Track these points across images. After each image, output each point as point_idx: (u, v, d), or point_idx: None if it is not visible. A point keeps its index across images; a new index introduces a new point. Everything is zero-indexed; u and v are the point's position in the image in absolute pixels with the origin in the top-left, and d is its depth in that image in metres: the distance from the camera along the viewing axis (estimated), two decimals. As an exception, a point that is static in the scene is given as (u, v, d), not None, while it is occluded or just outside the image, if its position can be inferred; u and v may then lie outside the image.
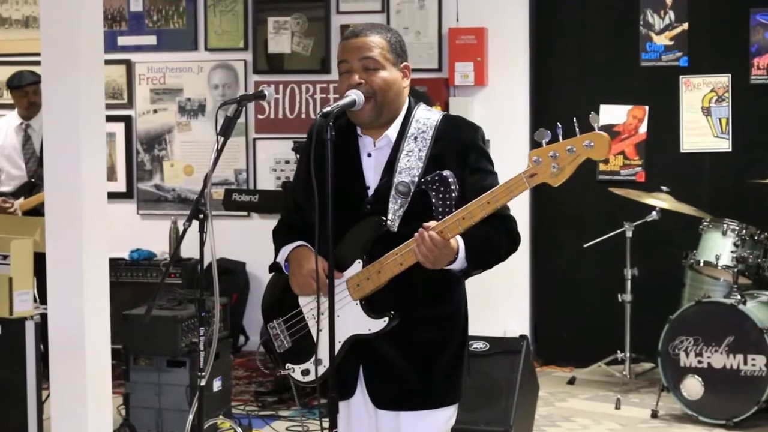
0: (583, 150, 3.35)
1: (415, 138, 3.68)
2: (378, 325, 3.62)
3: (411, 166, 3.64)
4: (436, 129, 3.69)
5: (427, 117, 3.73)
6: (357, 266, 3.63)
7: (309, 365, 3.77)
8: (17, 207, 7.92)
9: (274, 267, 3.88)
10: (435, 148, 3.66)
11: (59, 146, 5.50)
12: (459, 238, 3.51)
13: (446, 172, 3.61)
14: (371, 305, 3.64)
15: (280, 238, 3.88)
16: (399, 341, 3.66)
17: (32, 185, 8.04)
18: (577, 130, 3.36)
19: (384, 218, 3.61)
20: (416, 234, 3.48)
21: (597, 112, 8.21)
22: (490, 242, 3.61)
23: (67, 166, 5.47)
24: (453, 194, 3.60)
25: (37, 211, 7.71)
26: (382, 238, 3.60)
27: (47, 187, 5.59)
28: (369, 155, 3.72)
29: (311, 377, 3.77)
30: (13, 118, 8.20)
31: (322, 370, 3.68)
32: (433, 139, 3.67)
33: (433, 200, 3.60)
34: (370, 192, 3.68)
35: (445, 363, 3.72)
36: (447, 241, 3.46)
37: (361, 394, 3.74)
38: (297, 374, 3.83)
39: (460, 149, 3.66)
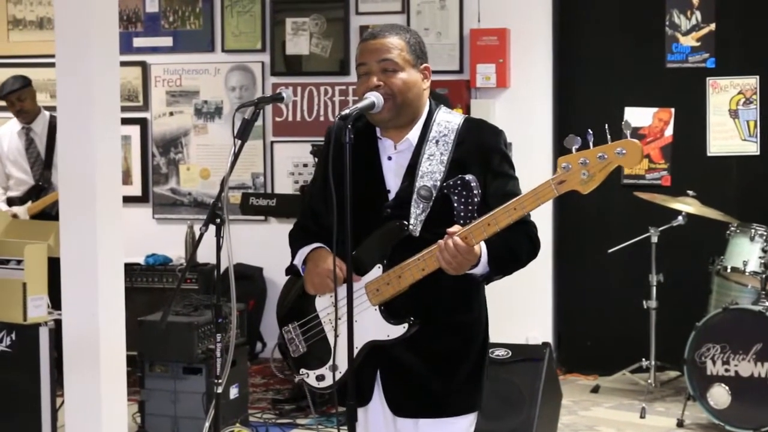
0: (614, 157, 3.34)
1: (437, 141, 3.68)
2: (397, 331, 3.63)
3: (433, 170, 3.64)
4: (457, 132, 3.69)
5: (449, 120, 3.73)
6: (377, 271, 3.64)
7: (324, 371, 3.77)
8: (21, 214, 7.96)
9: (291, 270, 3.89)
10: (457, 152, 3.66)
11: (74, 149, 5.52)
12: (482, 244, 3.52)
13: (469, 177, 3.61)
14: (390, 311, 3.65)
15: (296, 241, 3.90)
16: (418, 348, 3.66)
17: (40, 189, 8.11)
18: (609, 136, 3.36)
19: (405, 222, 3.61)
20: (440, 240, 3.49)
21: (622, 114, 8.23)
22: (512, 248, 3.62)
23: (81, 170, 5.49)
24: (475, 199, 3.61)
25: (47, 213, 7.77)
26: (403, 242, 3.61)
27: (62, 191, 5.61)
28: (389, 158, 3.72)
29: (326, 383, 3.78)
30: (14, 123, 8.30)
31: (338, 375, 3.69)
32: (455, 142, 3.67)
33: (455, 205, 3.61)
34: (391, 196, 3.68)
35: (465, 370, 3.72)
36: (471, 247, 3.46)
37: (378, 400, 3.74)
38: (311, 380, 3.84)
39: (483, 153, 3.66)
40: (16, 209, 8.01)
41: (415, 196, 3.62)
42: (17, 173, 8.23)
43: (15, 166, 8.23)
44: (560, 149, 7.94)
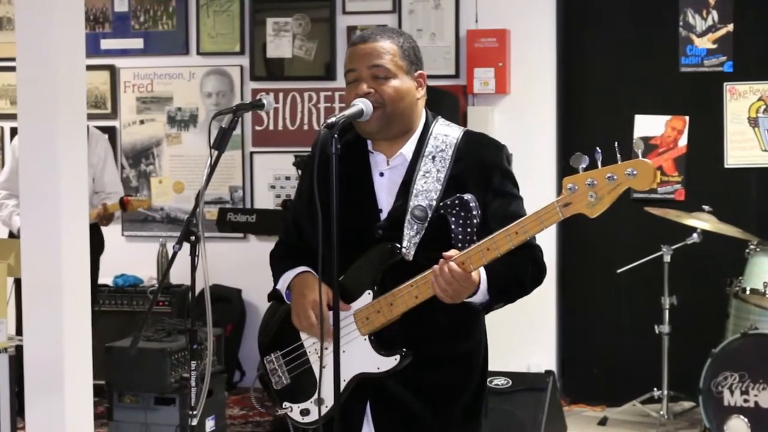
0: (624, 179, 3.34)
1: (433, 157, 3.68)
2: (388, 363, 3.62)
3: (428, 188, 3.64)
4: (456, 147, 3.69)
5: (446, 134, 3.73)
6: (366, 297, 3.63)
7: (309, 405, 3.77)
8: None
9: (274, 295, 3.89)
10: (455, 168, 3.66)
11: (36, 161, 5.51)
12: (481, 270, 3.51)
13: (467, 196, 3.61)
14: (381, 341, 3.64)
15: (279, 262, 3.89)
16: (411, 380, 3.65)
17: None
18: (618, 156, 3.36)
19: (398, 245, 3.61)
20: (435, 266, 3.48)
21: (632, 123, 8.24)
22: (515, 274, 3.61)
23: (44, 183, 5.48)
24: (474, 220, 3.60)
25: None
26: (395, 267, 3.60)
27: (23, 206, 5.59)
28: (381, 174, 3.72)
29: (311, 418, 3.78)
30: None
31: (324, 410, 3.68)
32: (453, 158, 3.67)
33: (453, 226, 3.59)
34: (383, 215, 3.68)
35: (462, 405, 3.72)
36: (468, 274, 3.45)
37: (368, 436, 3.74)
38: (295, 414, 3.83)
39: (483, 170, 3.66)
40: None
41: (408, 216, 3.61)
42: None
43: None
44: (564, 161, 7.95)
